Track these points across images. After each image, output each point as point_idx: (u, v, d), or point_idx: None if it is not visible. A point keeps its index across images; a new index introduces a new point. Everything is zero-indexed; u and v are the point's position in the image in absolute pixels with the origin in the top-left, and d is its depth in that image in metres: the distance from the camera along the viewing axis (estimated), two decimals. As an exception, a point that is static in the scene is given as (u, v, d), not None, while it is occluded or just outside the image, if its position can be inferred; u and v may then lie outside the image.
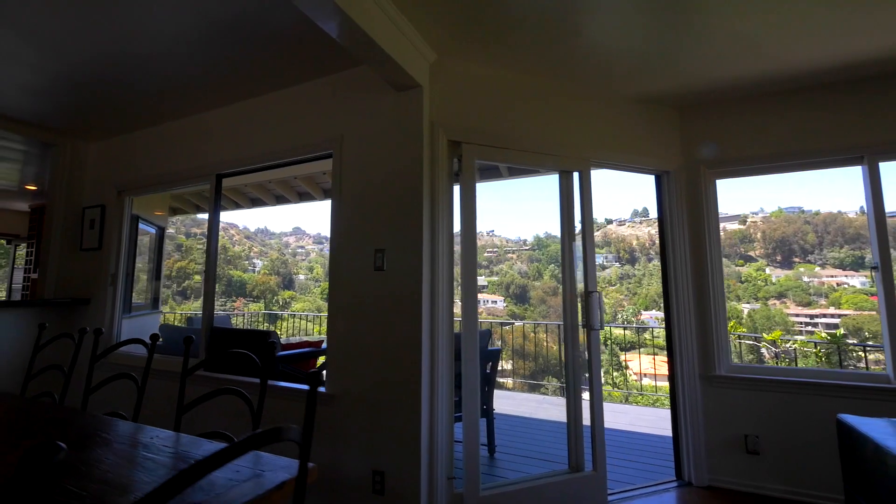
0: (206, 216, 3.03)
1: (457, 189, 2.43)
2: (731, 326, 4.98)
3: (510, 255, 17.20)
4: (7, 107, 3.10)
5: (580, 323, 2.61)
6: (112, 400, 2.47)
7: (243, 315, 11.73)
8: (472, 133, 2.44)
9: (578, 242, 2.66)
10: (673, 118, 3.03)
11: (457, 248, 2.39)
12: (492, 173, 3.81)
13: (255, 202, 5.51)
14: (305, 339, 5.42)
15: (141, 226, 4.05)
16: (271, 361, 2.97)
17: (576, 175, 2.68)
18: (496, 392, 5.68)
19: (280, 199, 5.27)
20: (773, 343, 4.54)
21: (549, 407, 4.73)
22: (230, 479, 1.02)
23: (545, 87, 2.68)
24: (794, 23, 2.09)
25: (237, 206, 5.66)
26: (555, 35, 2.20)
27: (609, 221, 15.86)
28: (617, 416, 4.24)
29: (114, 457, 1.18)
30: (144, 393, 1.83)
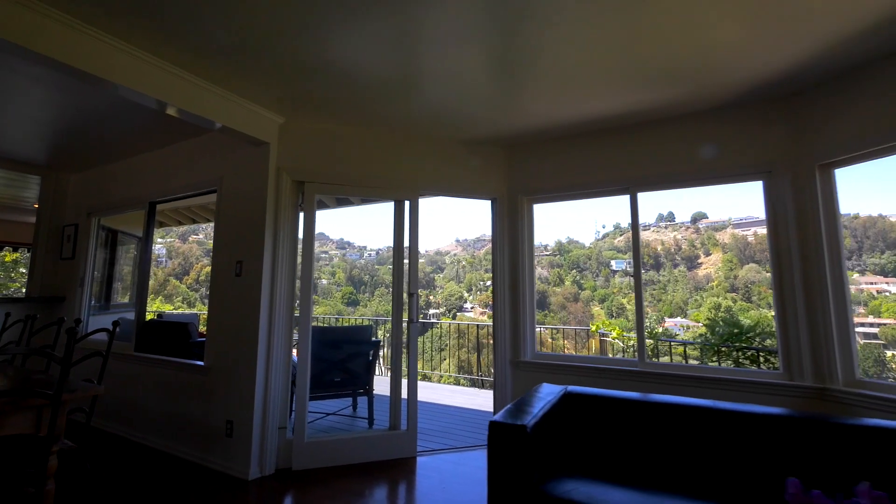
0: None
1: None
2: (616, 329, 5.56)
3: (530, 260, 17.36)
4: (13, 154, 4.18)
5: (404, 319, 3.38)
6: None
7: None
8: (314, 174, 3.26)
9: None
10: (500, 154, 3.76)
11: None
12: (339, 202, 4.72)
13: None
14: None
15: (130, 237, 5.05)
16: (187, 345, 3.87)
17: (407, 203, 3.46)
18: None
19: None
20: (620, 339, 5.17)
21: (471, 397, 5.44)
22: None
23: (382, 135, 3.47)
24: (573, 94, 2.83)
25: (207, 220, 6.71)
26: (390, 101, 2.92)
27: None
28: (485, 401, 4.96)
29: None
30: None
